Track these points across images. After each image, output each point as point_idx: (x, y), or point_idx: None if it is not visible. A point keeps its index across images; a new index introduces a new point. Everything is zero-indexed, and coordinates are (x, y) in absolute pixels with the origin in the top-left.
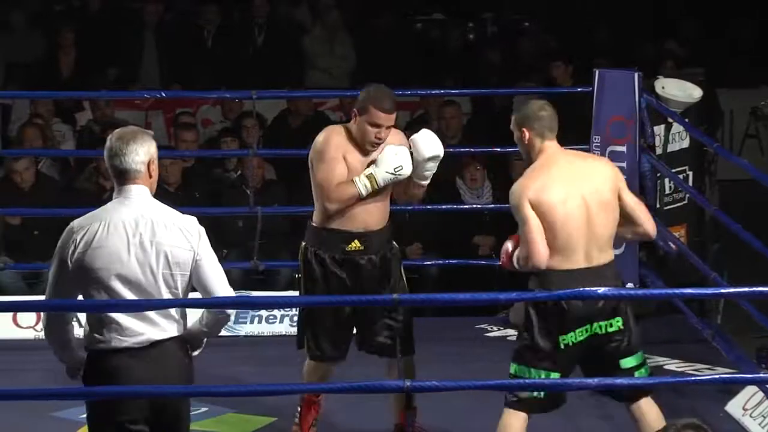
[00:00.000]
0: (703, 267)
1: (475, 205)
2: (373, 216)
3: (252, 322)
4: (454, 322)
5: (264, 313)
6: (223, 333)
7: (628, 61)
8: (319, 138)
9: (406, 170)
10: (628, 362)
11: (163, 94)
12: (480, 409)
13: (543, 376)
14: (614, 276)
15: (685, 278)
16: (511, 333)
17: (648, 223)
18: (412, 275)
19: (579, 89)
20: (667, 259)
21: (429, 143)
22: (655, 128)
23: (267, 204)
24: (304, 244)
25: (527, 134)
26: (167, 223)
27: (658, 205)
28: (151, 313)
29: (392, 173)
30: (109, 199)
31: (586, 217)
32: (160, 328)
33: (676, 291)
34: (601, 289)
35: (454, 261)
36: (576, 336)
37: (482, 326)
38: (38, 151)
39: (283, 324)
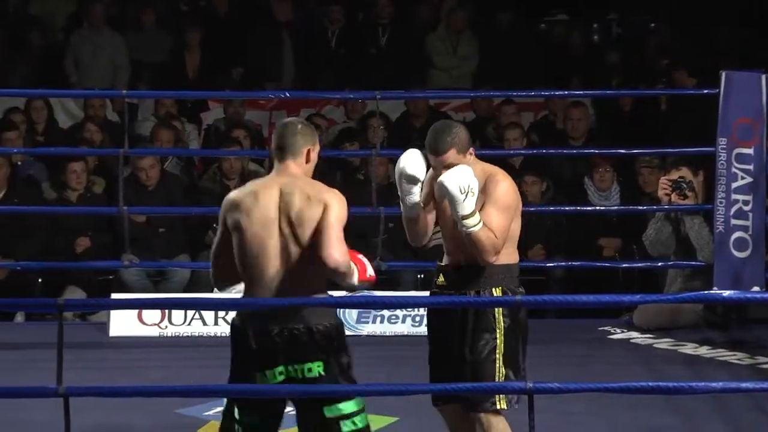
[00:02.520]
0: None
1: (601, 207)
2: (452, 252)
3: (374, 322)
4: (577, 323)
5: (386, 313)
6: (346, 332)
7: (754, 62)
8: None
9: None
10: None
11: (287, 95)
12: (600, 412)
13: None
14: None
15: None
16: (635, 335)
17: None
18: (535, 277)
19: (705, 91)
20: None
21: (404, 162)
22: None
23: (389, 204)
24: None
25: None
26: None
27: None
28: None
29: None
30: None
31: None
32: None
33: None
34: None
35: (577, 263)
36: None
37: (605, 328)
38: (162, 150)
39: (405, 324)
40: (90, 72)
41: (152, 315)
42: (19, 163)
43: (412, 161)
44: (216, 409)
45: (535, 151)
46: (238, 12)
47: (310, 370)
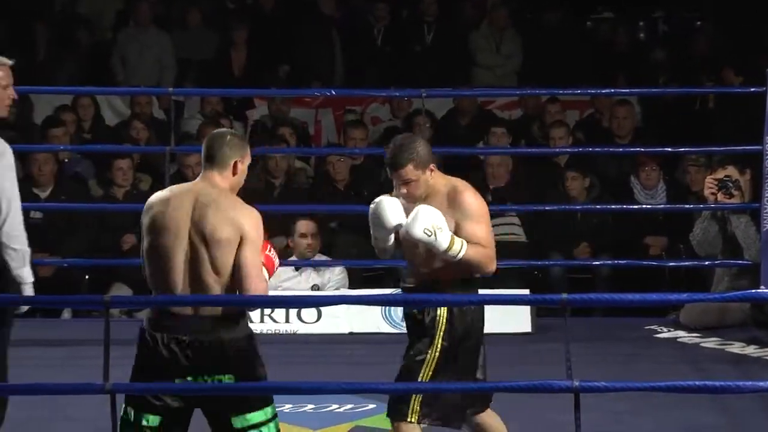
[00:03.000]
0: None
1: (647, 206)
2: (411, 272)
3: None
4: (624, 322)
5: None
6: (391, 330)
7: None
8: None
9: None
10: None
11: (333, 92)
12: (646, 411)
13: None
14: None
15: None
16: (682, 334)
17: None
18: (581, 275)
19: (752, 89)
20: None
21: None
22: None
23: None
24: None
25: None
26: None
27: None
28: None
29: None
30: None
31: None
32: None
33: None
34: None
35: (623, 261)
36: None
37: (652, 327)
38: None
39: None
40: (136, 70)
41: None
42: (66, 160)
43: (391, 211)
44: (287, 407)
45: (580, 150)
46: (285, 9)
47: (220, 379)
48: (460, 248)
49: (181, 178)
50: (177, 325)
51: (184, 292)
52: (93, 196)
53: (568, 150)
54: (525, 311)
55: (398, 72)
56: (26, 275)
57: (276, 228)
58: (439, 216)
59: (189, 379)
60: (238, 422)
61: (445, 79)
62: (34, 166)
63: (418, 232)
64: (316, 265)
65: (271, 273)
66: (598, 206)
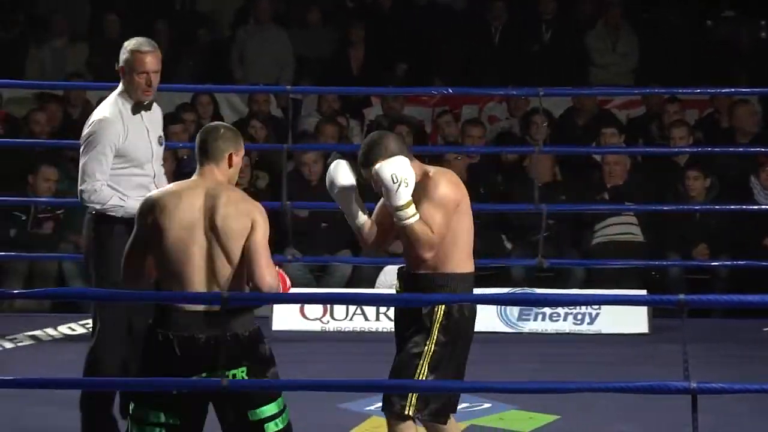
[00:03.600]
0: None
1: (767, 206)
2: (406, 259)
3: (535, 319)
4: (742, 323)
5: (548, 310)
6: (506, 330)
7: None
8: None
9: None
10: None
11: (450, 91)
12: (764, 413)
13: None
14: None
15: None
16: None
17: None
18: (700, 276)
19: None
20: None
21: (333, 174)
22: None
23: (551, 201)
24: None
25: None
26: None
27: None
28: None
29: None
30: None
31: None
32: None
33: None
34: None
35: (742, 262)
36: None
37: None
38: (326, 146)
39: (566, 322)
40: (255, 68)
41: (314, 310)
42: (185, 157)
43: (341, 172)
44: (377, 404)
45: (699, 149)
46: (403, 8)
47: (234, 376)
48: (412, 215)
49: (298, 175)
50: (189, 323)
51: (201, 287)
52: None
53: (687, 149)
54: (642, 312)
55: (515, 71)
56: None
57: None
58: (411, 173)
59: (204, 375)
60: (253, 416)
61: (562, 78)
62: None
63: (386, 173)
64: None
65: (284, 286)
66: (717, 206)
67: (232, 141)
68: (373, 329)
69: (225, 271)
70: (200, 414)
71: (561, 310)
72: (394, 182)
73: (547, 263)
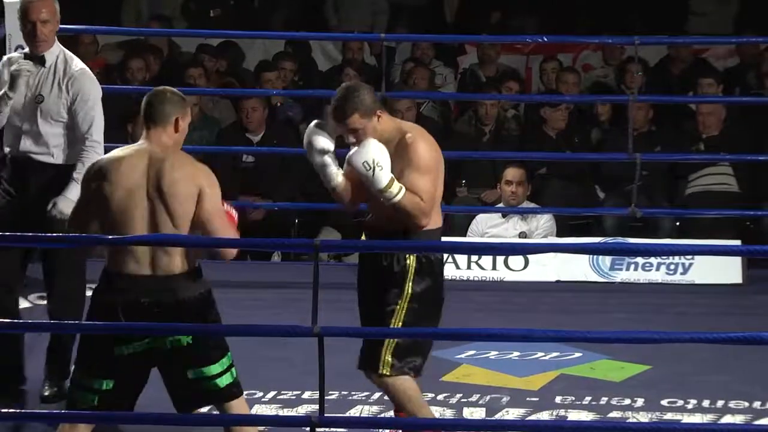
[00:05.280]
0: None
1: None
2: (374, 215)
3: (628, 269)
4: None
5: (640, 260)
6: (598, 279)
7: None
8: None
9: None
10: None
11: (545, 39)
12: None
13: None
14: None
15: None
16: None
17: None
18: None
19: None
20: None
21: (309, 137)
22: None
23: (646, 150)
24: None
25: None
26: None
27: None
28: None
29: None
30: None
31: None
32: None
33: None
34: None
35: None
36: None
37: None
38: (419, 94)
39: (659, 272)
40: (350, 15)
41: None
42: (279, 104)
43: (317, 134)
44: (468, 353)
45: None
46: None
47: (178, 340)
48: (398, 192)
49: None
50: (134, 288)
51: (144, 252)
52: (301, 142)
53: None
54: (736, 262)
55: (611, 18)
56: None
57: (486, 174)
58: (383, 153)
59: (146, 341)
60: (194, 374)
61: (658, 26)
62: (244, 111)
63: (357, 163)
64: (523, 213)
65: (234, 227)
66: None
67: (179, 105)
68: (465, 277)
69: (170, 230)
70: (140, 380)
71: (654, 260)
72: (367, 169)
73: (640, 213)
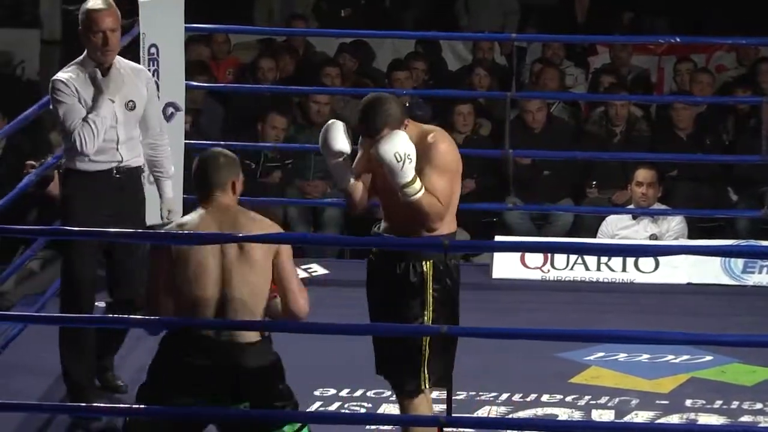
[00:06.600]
0: None
1: None
2: (388, 219)
3: (760, 272)
4: None
5: None
6: (730, 282)
7: None
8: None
9: None
10: None
11: (678, 39)
12: None
13: None
14: None
15: None
16: None
17: None
18: None
19: None
20: None
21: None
22: None
23: None
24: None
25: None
26: None
27: None
28: None
29: None
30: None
31: None
32: None
33: None
34: None
35: None
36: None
37: None
38: (550, 94)
39: None
40: (480, 15)
41: (535, 258)
42: (407, 104)
43: (338, 135)
44: (597, 354)
45: None
46: None
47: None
48: (418, 191)
49: (521, 123)
50: (202, 348)
51: (215, 314)
52: None
53: None
54: None
55: (745, 18)
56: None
57: (616, 175)
58: (412, 147)
59: (208, 402)
60: None
61: None
62: None
63: (388, 153)
64: (654, 214)
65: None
66: None
67: (234, 167)
68: (594, 279)
69: (245, 297)
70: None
71: None
72: (398, 161)
73: None
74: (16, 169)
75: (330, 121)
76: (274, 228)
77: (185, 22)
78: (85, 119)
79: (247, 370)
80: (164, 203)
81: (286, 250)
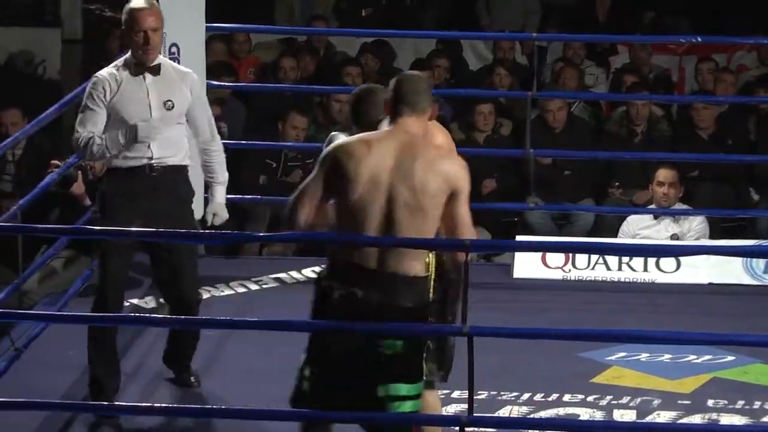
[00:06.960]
0: None
1: None
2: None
3: None
4: None
5: None
6: (752, 282)
7: None
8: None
9: None
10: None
11: (699, 39)
12: None
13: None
14: None
15: None
16: None
17: None
18: None
19: None
20: None
21: None
22: None
23: None
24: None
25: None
26: None
27: None
28: None
29: None
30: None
31: None
32: None
33: None
34: None
35: None
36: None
37: None
38: (570, 94)
39: None
40: (501, 15)
41: (556, 258)
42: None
43: None
44: (619, 354)
45: None
46: None
47: (392, 345)
48: None
49: (542, 123)
50: (354, 278)
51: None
52: (454, 140)
53: None
54: None
55: (767, 18)
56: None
57: (637, 175)
58: None
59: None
60: (382, 391)
61: None
62: None
63: None
64: (675, 214)
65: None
66: None
67: (431, 96)
68: (615, 279)
69: (408, 229)
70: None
71: None
72: None
73: None
74: (37, 169)
75: (333, 132)
76: (459, 173)
77: (206, 22)
78: (92, 135)
79: (400, 307)
80: (211, 207)
81: (463, 191)
